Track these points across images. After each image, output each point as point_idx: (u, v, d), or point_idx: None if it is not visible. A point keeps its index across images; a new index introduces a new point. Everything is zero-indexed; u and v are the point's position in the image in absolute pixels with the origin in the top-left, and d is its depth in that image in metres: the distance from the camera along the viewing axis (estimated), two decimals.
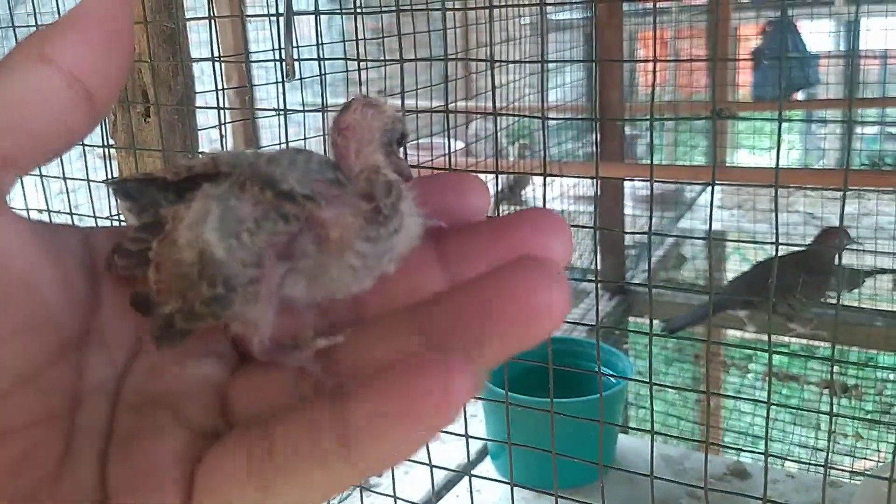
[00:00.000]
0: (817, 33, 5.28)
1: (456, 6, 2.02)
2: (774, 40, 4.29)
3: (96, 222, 1.26)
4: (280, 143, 1.10)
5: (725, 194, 3.85)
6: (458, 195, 0.31)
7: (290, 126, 1.08)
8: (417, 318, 0.27)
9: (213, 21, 1.03)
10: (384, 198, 0.28)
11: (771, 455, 0.94)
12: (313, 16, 1.00)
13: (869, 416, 2.46)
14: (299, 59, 1.01)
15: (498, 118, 0.99)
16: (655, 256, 3.09)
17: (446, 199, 0.31)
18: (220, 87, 1.07)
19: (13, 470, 0.27)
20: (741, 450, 1.63)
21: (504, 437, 1.06)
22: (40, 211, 1.34)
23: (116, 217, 1.21)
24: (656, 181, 0.89)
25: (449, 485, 1.55)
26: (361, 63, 0.99)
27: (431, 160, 1.26)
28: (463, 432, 1.07)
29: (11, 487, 0.26)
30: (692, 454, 1.66)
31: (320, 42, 1.01)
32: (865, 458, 2.41)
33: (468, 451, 1.14)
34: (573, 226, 2.43)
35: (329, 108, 1.05)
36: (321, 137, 1.25)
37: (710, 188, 0.91)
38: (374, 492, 1.42)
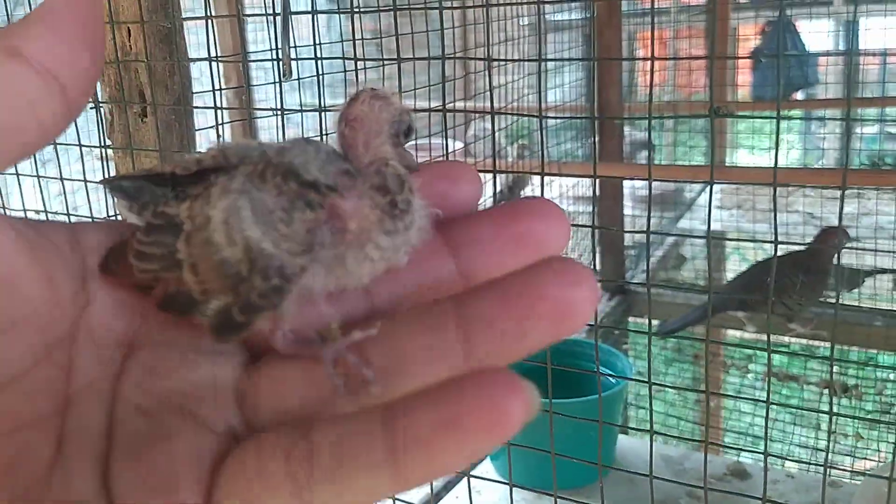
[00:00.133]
0: (816, 33, 5.28)
1: (454, 6, 2.02)
2: (773, 40, 4.29)
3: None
4: None
5: (725, 194, 3.84)
6: (451, 183, 0.32)
7: (289, 127, 1.08)
8: (452, 312, 0.27)
9: (210, 21, 1.02)
10: (399, 192, 0.29)
11: (770, 455, 0.93)
12: (311, 16, 0.99)
13: (869, 416, 2.45)
14: (297, 59, 1.01)
15: (496, 118, 0.99)
16: (655, 257, 3.08)
17: (440, 188, 0.31)
18: (217, 87, 1.06)
19: None
20: (742, 450, 1.63)
21: None
22: (38, 212, 1.34)
23: (114, 217, 1.21)
24: (655, 180, 0.89)
25: (448, 486, 1.55)
26: (359, 63, 0.99)
27: (430, 161, 1.25)
28: None
29: None
30: (692, 454, 1.66)
31: (318, 42, 1.01)
32: (866, 459, 2.41)
33: None
34: (572, 225, 2.43)
35: (327, 109, 1.04)
36: (319, 138, 1.25)
37: (709, 188, 0.90)
38: None
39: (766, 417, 0.92)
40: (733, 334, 2.73)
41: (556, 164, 2.51)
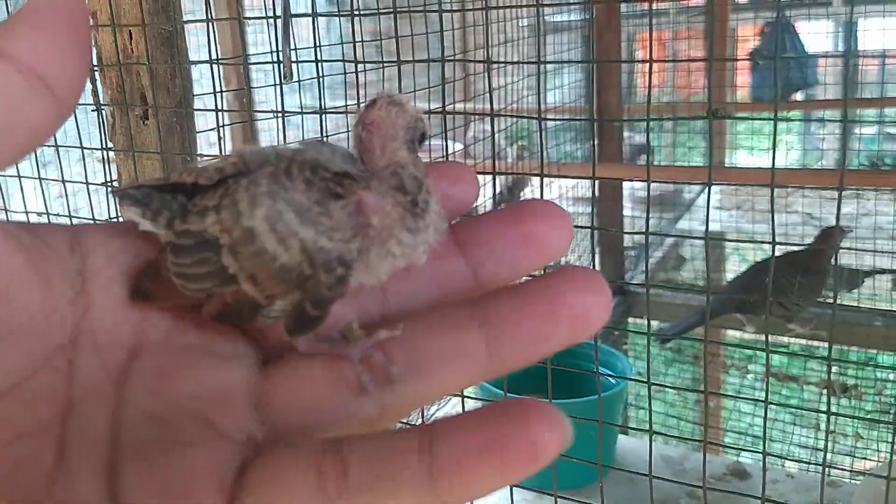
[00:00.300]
0: (815, 34, 5.29)
1: (454, 8, 2.03)
2: (772, 41, 4.29)
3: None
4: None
5: (724, 195, 3.85)
6: (450, 183, 0.32)
7: (289, 129, 1.08)
8: (474, 314, 0.28)
9: (210, 24, 1.03)
10: (418, 192, 0.30)
11: (770, 454, 0.93)
12: (311, 19, 1.00)
13: (868, 417, 2.45)
14: (297, 61, 1.02)
15: (496, 120, 0.99)
16: (654, 258, 3.09)
17: (439, 187, 0.31)
18: (218, 89, 1.07)
19: None
20: (742, 449, 1.63)
21: None
22: (39, 214, 1.34)
23: (115, 220, 1.21)
24: (654, 181, 0.89)
25: None
26: (359, 65, 0.99)
27: (430, 162, 1.26)
28: None
29: None
30: (691, 454, 1.66)
31: (318, 45, 1.01)
32: (865, 459, 2.41)
33: None
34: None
35: (327, 111, 1.05)
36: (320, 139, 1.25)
37: (708, 189, 0.91)
38: None
39: (765, 417, 0.93)
40: (733, 335, 2.73)
41: (555, 165, 2.52)
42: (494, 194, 1.91)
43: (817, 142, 4.84)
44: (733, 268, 3.56)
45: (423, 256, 0.30)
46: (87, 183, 1.22)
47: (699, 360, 2.86)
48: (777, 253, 0.91)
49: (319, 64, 1.04)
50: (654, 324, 2.26)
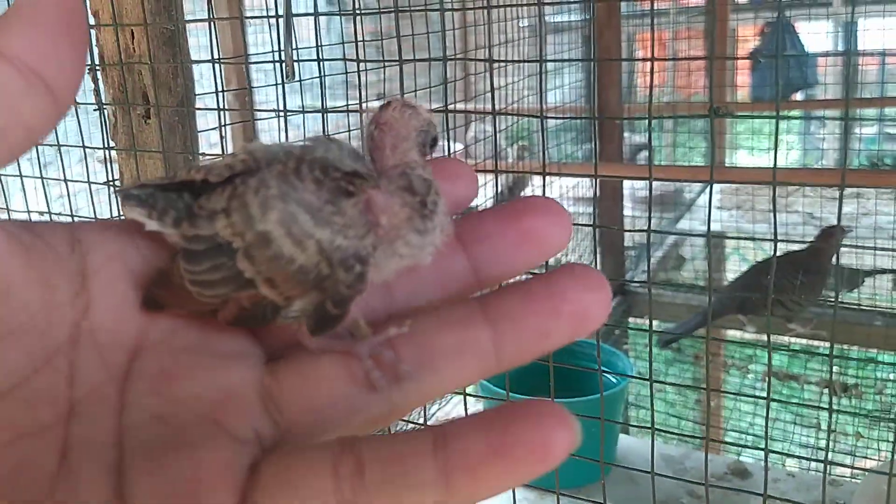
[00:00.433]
0: (815, 34, 5.29)
1: (454, 6, 2.03)
2: (772, 41, 4.29)
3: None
4: None
5: (724, 195, 3.85)
6: (449, 180, 0.33)
7: (290, 129, 1.08)
8: (479, 310, 0.29)
9: (212, 23, 1.03)
10: (427, 194, 0.30)
11: (771, 451, 0.94)
12: (312, 19, 1.00)
13: (868, 416, 2.46)
14: (298, 60, 1.02)
15: (497, 120, 1.00)
16: (655, 258, 3.09)
17: (440, 185, 0.31)
18: (220, 89, 1.07)
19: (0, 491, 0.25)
20: (743, 446, 1.63)
21: None
22: (41, 213, 1.34)
23: (115, 218, 1.21)
24: (656, 180, 0.89)
25: None
26: (361, 64, 0.99)
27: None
28: None
29: None
30: (692, 453, 1.66)
31: (319, 44, 1.01)
32: (866, 458, 2.41)
33: None
34: (573, 224, 2.43)
35: (329, 110, 1.05)
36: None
37: (708, 189, 0.91)
38: None
39: (767, 413, 0.93)
40: (733, 334, 2.73)
41: (555, 164, 2.52)
42: (496, 194, 1.91)
43: (817, 142, 4.84)
44: (733, 268, 3.57)
45: (428, 257, 0.30)
46: (90, 182, 1.23)
47: (700, 360, 2.86)
48: (778, 252, 0.91)
49: (321, 63, 1.04)
50: (655, 323, 2.26)
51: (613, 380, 1.59)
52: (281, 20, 1.00)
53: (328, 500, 0.24)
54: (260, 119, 1.73)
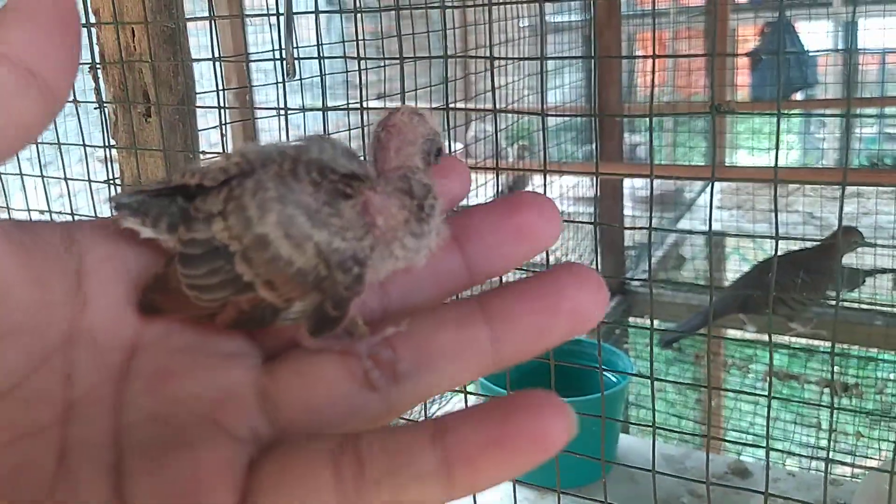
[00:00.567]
0: (815, 34, 5.29)
1: (455, 4, 2.03)
2: (772, 41, 4.29)
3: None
4: None
5: (725, 195, 3.86)
6: (443, 177, 0.33)
7: (290, 129, 1.08)
8: (477, 309, 0.29)
9: (213, 22, 1.03)
10: (425, 198, 0.30)
11: (772, 450, 0.93)
12: (313, 18, 1.00)
13: (869, 416, 2.46)
14: (299, 58, 1.02)
15: (497, 119, 1.00)
16: (655, 257, 3.09)
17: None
18: (220, 87, 1.07)
19: None
20: (744, 444, 1.64)
21: None
22: (41, 212, 1.34)
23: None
24: (657, 177, 0.89)
25: None
26: (362, 62, 0.99)
27: None
28: None
29: None
30: (693, 453, 1.66)
31: (320, 42, 1.01)
32: (867, 458, 2.41)
33: None
34: (573, 222, 2.45)
35: (329, 109, 1.05)
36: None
37: (709, 189, 0.91)
38: None
39: (768, 411, 0.93)
40: (734, 334, 2.74)
41: (556, 164, 2.52)
42: (496, 193, 1.90)
43: (817, 141, 4.84)
44: (733, 267, 3.57)
45: (423, 260, 0.31)
46: (90, 181, 1.22)
47: (700, 359, 2.86)
48: (781, 252, 0.91)
49: (322, 61, 1.04)
50: (655, 323, 2.26)
51: (614, 379, 1.59)
52: (282, 18, 1.00)
53: (329, 496, 0.24)
54: (260, 118, 1.73)
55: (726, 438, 2.05)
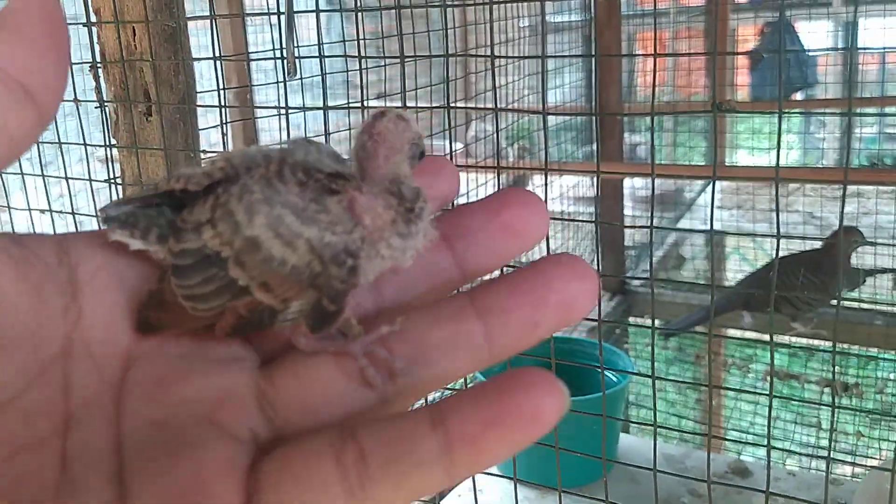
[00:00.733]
0: (815, 34, 5.29)
1: (455, 3, 2.03)
2: (772, 41, 4.30)
3: (98, 224, 1.26)
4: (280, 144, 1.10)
5: (725, 194, 3.86)
6: (432, 177, 0.33)
7: (291, 128, 1.08)
8: (469, 304, 0.29)
9: (213, 21, 1.03)
10: (415, 200, 0.30)
11: (773, 448, 0.93)
12: (313, 18, 1.00)
13: (870, 415, 2.46)
14: (299, 57, 1.02)
15: (497, 119, 1.00)
16: (655, 257, 3.09)
17: (420, 182, 0.32)
18: (221, 86, 1.07)
19: None
20: (745, 443, 1.63)
21: None
22: (42, 212, 1.34)
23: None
24: (658, 176, 0.89)
25: None
26: (362, 61, 0.99)
27: None
28: None
29: None
30: (693, 453, 1.66)
31: (321, 41, 1.01)
32: (867, 457, 2.41)
33: None
34: (574, 221, 2.46)
35: (330, 108, 1.05)
36: (323, 138, 1.25)
37: (709, 189, 0.91)
38: None
39: (770, 409, 0.93)
40: (734, 333, 2.74)
41: (556, 163, 2.52)
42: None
43: (817, 141, 4.85)
44: (734, 267, 3.57)
45: (409, 260, 0.31)
46: (90, 180, 1.22)
47: (700, 359, 2.87)
48: (783, 253, 0.91)
49: (323, 60, 1.04)
50: (656, 323, 2.26)
51: (615, 378, 1.59)
52: (282, 17, 1.00)
53: (334, 488, 0.24)
54: (261, 117, 1.73)
55: (727, 438, 2.05)
